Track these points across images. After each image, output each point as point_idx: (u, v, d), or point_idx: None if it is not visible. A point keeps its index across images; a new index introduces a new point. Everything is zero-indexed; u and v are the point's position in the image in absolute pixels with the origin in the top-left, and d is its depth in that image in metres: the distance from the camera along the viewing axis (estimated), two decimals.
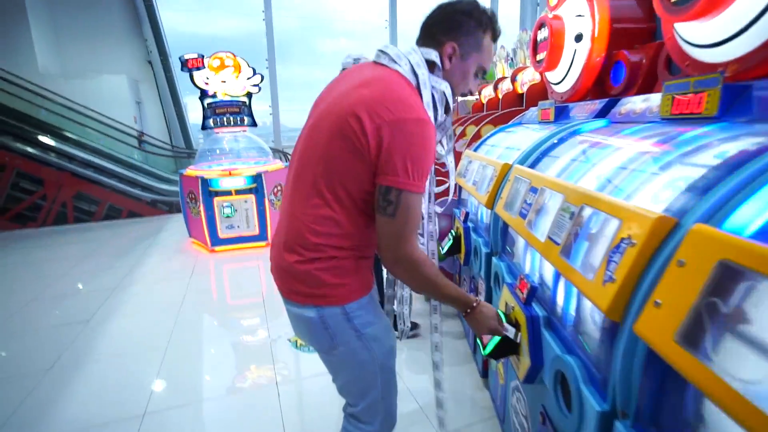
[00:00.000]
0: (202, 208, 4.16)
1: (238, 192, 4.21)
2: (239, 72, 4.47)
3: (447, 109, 1.05)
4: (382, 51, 1.00)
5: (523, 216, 1.25)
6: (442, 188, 1.34)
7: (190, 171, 4.37)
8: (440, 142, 1.15)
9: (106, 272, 3.92)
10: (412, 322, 2.61)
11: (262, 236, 4.41)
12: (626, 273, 0.72)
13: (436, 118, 1.00)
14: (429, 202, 1.19)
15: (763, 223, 0.62)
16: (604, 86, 1.79)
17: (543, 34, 1.98)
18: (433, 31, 1.01)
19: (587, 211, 0.92)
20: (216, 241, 4.30)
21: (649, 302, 0.66)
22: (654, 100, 1.28)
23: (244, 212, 4.27)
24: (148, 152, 7.87)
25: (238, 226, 4.29)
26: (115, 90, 8.11)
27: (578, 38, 1.77)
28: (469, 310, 1.08)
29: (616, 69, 1.71)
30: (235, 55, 4.41)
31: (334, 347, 1.04)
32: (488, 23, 1.00)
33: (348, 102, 0.91)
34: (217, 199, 4.17)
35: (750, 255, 0.53)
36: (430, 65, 0.99)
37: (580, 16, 1.76)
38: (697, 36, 1.11)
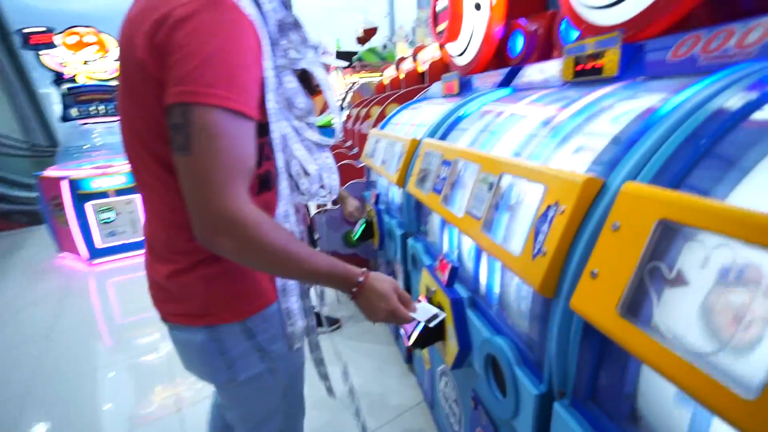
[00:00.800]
0: (72, 216, 3.50)
1: (119, 192, 3.61)
2: (105, 51, 3.80)
3: (285, 4, 0.78)
4: None
5: (438, 191, 1.16)
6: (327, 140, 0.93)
7: (50, 172, 3.64)
8: (299, 54, 0.81)
9: None
10: (330, 318, 2.47)
11: None
12: (557, 244, 0.65)
13: (266, 18, 0.73)
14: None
15: (686, 176, 0.59)
16: (503, 57, 1.78)
17: (442, 4, 1.92)
18: None
19: (507, 180, 0.85)
20: (94, 252, 3.66)
21: (585, 273, 0.60)
22: (554, 66, 1.26)
23: (128, 215, 3.68)
24: None
25: (123, 233, 3.69)
26: None
27: (477, 6, 1.73)
28: (355, 289, 0.79)
29: (513, 39, 1.70)
30: (98, 31, 3.74)
31: (233, 378, 0.83)
32: None
33: (128, 34, 0.66)
34: (91, 203, 3.54)
35: (693, 211, 0.47)
36: None
37: None
38: None
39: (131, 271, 3.56)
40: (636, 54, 0.96)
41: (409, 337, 1.12)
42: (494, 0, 1.66)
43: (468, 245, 1.15)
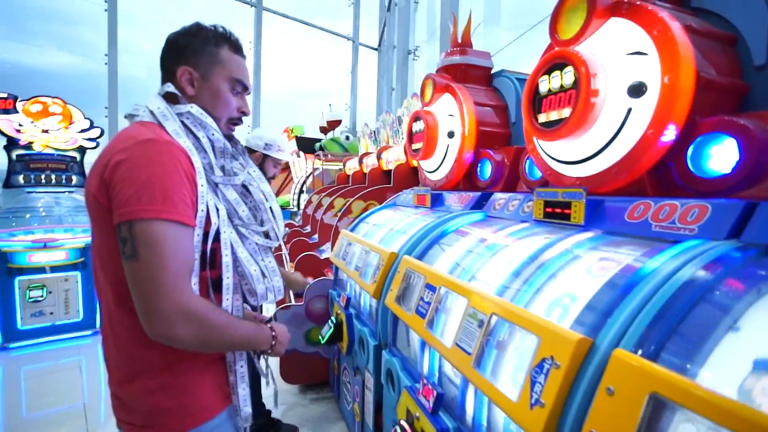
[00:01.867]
0: None
1: (55, 270, 3.33)
2: (69, 122, 3.74)
3: (209, 137, 0.93)
4: (127, 115, 0.93)
5: (421, 315, 1.21)
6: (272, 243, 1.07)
7: None
8: (242, 168, 1.00)
9: None
10: (289, 426, 2.29)
11: (86, 323, 3.48)
12: (555, 398, 0.70)
13: (203, 147, 0.89)
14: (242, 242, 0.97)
15: (666, 342, 0.68)
16: (472, 179, 1.98)
17: (418, 126, 2.14)
18: (165, 65, 0.93)
19: (497, 321, 0.92)
20: (13, 334, 3.23)
21: None
22: (523, 199, 1.43)
23: (63, 294, 3.34)
24: None
25: (52, 313, 3.32)
26: None
27: (450, 135, 1.95)
28: (274, 342, 0.97)
29: (482, 165, 1.91)
30: (65, 102, 3.71)
31: None
32: (218, 36, 0.94)
33: (87, 182, 0.85)
34: (20, 279, 3.21)
35: (678, 390, 0.55)
36: (173, 98, 0.92)
37: (451, 115, 1.95)
38: (557, 153, 1.30)
39: (54, 357, 3.15)
40: (597, 207, 1.13)
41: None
42: (466, 130, 1.89)
43: (451, 372, 1.18)
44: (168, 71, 0.93)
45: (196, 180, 0.84)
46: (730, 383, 0.57)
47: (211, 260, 0.89)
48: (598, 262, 0.94)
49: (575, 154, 1.22)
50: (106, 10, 7.43)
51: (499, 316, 0.91)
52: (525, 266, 1.08)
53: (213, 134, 0.92)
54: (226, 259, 0.90)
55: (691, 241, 0.85)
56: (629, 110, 1.07)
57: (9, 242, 3.26)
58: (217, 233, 0.88)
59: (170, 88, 0.91)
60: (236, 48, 0.98)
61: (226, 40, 0.95)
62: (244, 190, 1.01)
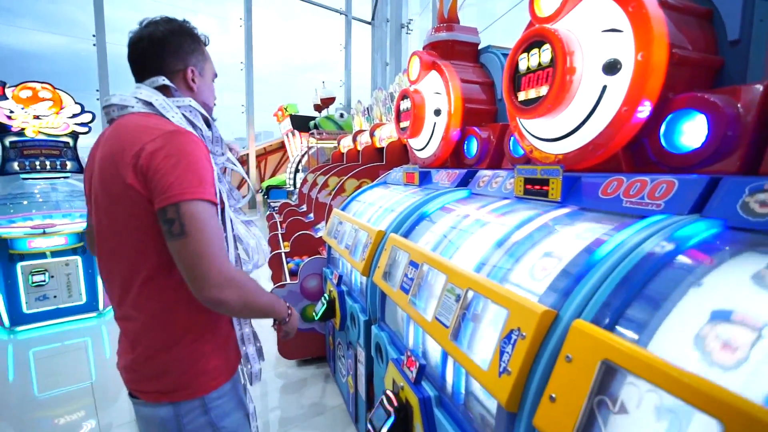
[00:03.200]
0: None
1: (56, 254, 3.38)
2: (60, 107, 3.72)
3: (208, 123, 1.01)
4: (108, 106, 0.94)
5: (405, 290, 1.26)
6: (245, 200, 1.17)
7: None
8: (222, 155, 1.08)
9: None
10: None
11: (90, 305, 3.55)
12: (520, 366, 0.76)
13: (203, 136, 0.98)
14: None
15: (625, 312, 0.73)
16: (459, 156, 2.00)
17: (406, 104, 2.14)
18: (157, 65, 0.96)
19: (472, 295, 0.96)
20: (19, 318, 3.31)
21: (545, 396, 0.70)
22: (506, 176, 1.46)
23: (65, 278, 3.41)
24: None
25: (55, 296, 3.40)
26: None
27: (437, 113, 1.96)
28: (290, 312, 1.10)
29: (468, 142, 1.93)
30: (54, 88, 3.67)
31: None
32: (197, 34, 1.02)
33: (106, 175, 0.88)
34: (22, 264, 3.27)
35: (626, 357, 0.60)
36: (166, 91, 0.97)
37: (437, 93, 1.95)
38: (537, 130, 1.32)
39: (58, 339, 3.25)
40: (574, 184, 1.17)
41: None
42: (452, 108, 1.90)
43: (434, 344, 1.24)
44: (164, 71, 0.96)
45: (212, 165, 0.91)
46: (679, 350, 0.61)
47: None
48: (568, 238, 0.97)
49: (554, 132, 1.24)
50: None
51: (473, 290, 0.95)
52: (502, 243, 1.12)
53: (205, 125, 0.99)
54: (230, 234, 1.00)
55: (656, 216, 0.89)
56: (604, 87, 1.09)
57: (9, 229, 3.29)
58: (223, 211, 0.97)
59: (164, 81, 0.95)
60: (206, 42, 1.06)
61: (200, 36, 1.03)
62: (221, 172, 1.07)
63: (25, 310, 3.33)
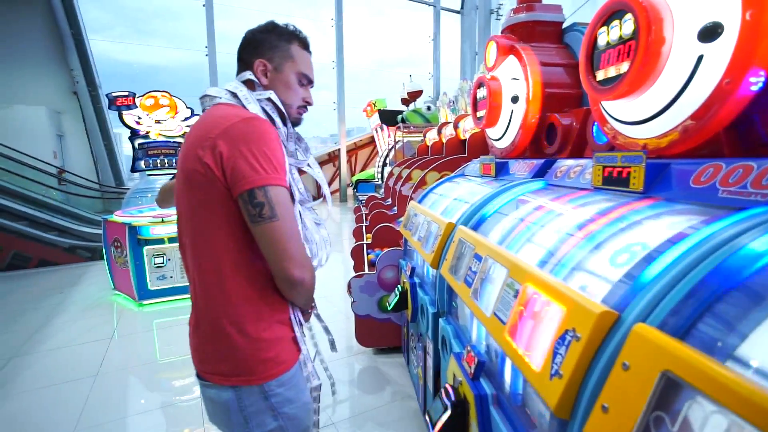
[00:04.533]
0: (129, 258, 3.80)
1: (172, 240, 3.90)
2: (175, 112, 4.26)
3: (284, 119, 1.03)
4: (203, 97, 1.02)
5: (468, 284, 1.22)
6: (317, 202, 1.23)
7: (116, 217, 4.00)
8: (296, 151, 1.10)
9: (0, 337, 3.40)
10: None
11: None
12: (572, 370, 0.69)
13: (276, 126, 1.00)
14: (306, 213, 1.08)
15: (701, 319, 0.63)
16: (539, 145, 1.87)
17: (482, 93, 2.06)
18: (242, 57, 1.04)
19: (531, 291, 0.90)
20: (145, 293, 3.91)
21: (597, 406, 0.63)
22: (586, 165, 1.34)
23: (178, 261, 3.94)
24: (68, 192, 7.17)
25: (171, 277, 3.95)
26: (32, 122, 7.48)
27: (514, 99, 1.85)
28: (314, 304, 1.12)
29: (549, 130, 1.79)
30: (171, 95, 4.22)
31: None
32: (290, 34, 1.05)
33: (191, 151, 0.91)
34: (147, 248, 3.84)
35: (691, 370, 0.51)
36: (250, 85, 1.02)
37: (515, 79, 1.84)
38: (620, 113, 1.18)
39: (175, 314, 3.77)
40: (660, 172, 1.02)
41: (434, 425, 1.15)
42: (530, 94, 1.78)
43: (494, 341, 1.18)
44: (245, 62, 1.03)
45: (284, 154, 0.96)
46: (763, 369, 0.51)
47: None
48: (644, 233, 0.86)
49: (638, 114, 1.10)
50: (204, 5, 8.12)
51: (531, 286, 0.89)
52: (571, 236, 1.03)
53: (280, 120, 1.03)
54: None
55: (760, 208, 0.74)
56: (700, 58, 0.94)
57: (138, 218, 3.90)
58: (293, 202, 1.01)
59: (250, 75, 1.02)
60: (305, 45, 1.08)
61: (296, 37, 1.06)
62: (297, 171, 1.10)
63: (149, 287, 3.91)
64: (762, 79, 0.88)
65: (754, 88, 0.88)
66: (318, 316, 1.17)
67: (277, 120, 1.01)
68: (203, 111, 1.03)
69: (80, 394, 2.48)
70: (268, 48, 1.03)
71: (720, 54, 0.90)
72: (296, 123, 1.09)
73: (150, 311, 3.85)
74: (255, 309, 0.94)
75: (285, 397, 0.97)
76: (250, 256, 0.92)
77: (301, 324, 1.05)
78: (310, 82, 1.10)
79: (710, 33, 0.91)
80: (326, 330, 1.21)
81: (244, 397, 0.94)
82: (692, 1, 0.95)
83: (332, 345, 1.22)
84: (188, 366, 2.77)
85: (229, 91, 0.99)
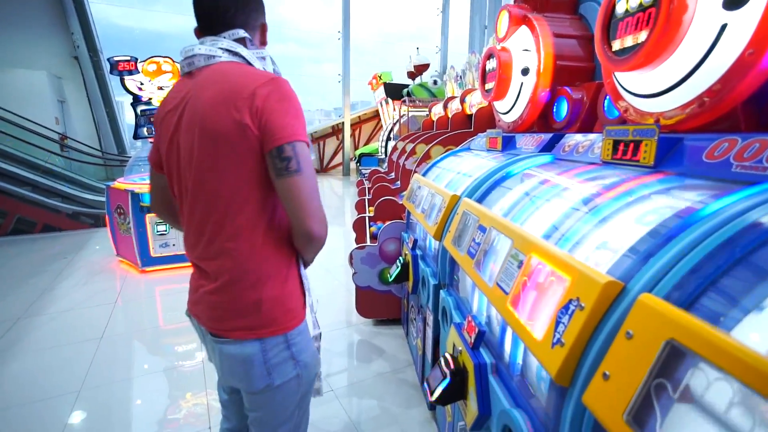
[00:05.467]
0: (132, 225, 3.81)
1: None
2: (178, 78, 4.18)
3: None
4: (193, 56, 0.95)
5: (471, 255, 1.22)
6: None
7: (119, 184, 4.00)
8: None
9: (6, 298, 3.46)
10: None
11: None
12: (575, 339, 0.69)
13: None
14: None
15: (708, 291, 0.62)
16: (547, 119, 1.84)
17: (491, 64, 2.01)
18: (240, 19, 0.99)
19: (535, 262, 0.90)
20: (147, 260, 3.95)
21: (598, 373, 0.64)
22: (595, 140, 1.31)
23: None
24: (71, 159, 7.14)
25: (174, 244, 3.97)
26: (32, 87, 7.37)
27: (525, 72, 1.81)
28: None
29: (558, 104, 1.76)
30: (173, 61, 4.14)
31: (270, 385, 0.99)
32: None
33: (211, 116, 0.90)
34: (149, 216, 3.84)
35: (697, 338, 0.51)
36: (242, 42, 1.00)
37: (526, 50, 1.79)
38: (634, 85, 1.15)
39: (177, 281, 3.81)
40: (672, 147, 1.00)
41: (432, 392, 1.17)
42: (542, 66, 1.73)
43: (495, 312, 1.19)
44: (246, 24, 1.00)
45: None
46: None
47: None
48: (653, 205, 0.85)
49: (654, 86, 1.07)
50: None
51: (536, 256, 0.89)
52: (577, 209, 1.02)
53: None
54: None
55: None
56: (723, 26, 0.90)
57: (140, 185, 3.89)
58: None
59: (244, 33, 0.99)
60: None
61: None
62: None
63: (152, 254, 3.94)
64: None
65: None
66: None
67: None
68: (194, 70, 0.96)
69: (85, 356, 2.53)
70: (263, 10, 1.05)
71: (745, 23, 0.86)
72: None
73: (151, 278, 3.90)
74: (276, 261, 0.97)
75: (302, 346, 1.02)
76: (270, 211, 0.95)
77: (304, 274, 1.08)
78: None
79: (737, 0, 0.87)
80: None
81: (268, 349, 0.97)
82: None
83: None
84: (191, 332, 2.83)
85: (227, 50, 0.96)
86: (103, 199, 4.87)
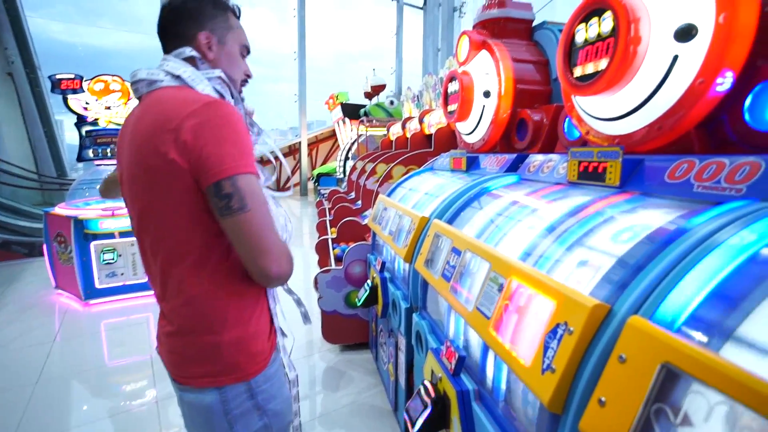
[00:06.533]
0: (74, 254, 3.51)
1: (124, 234, 3.65)
2: (128, 98, 3.98)
3: (235, 98, 0.96)
4: (135, 82, 0.88)
5: (447, 278, 1.21)
6: (287, 194, 1.22)
7: (60, 210, 3.69)
8: (258, 135, 1.02)
9: None
10: None
11: None
12: (566, 364, 0.69)
13: None
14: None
15: (692, 311, 0.64)
16: (510, 140, 1.90)
17: (453, 87, 2.06)
18: (176, 31, 0.91)
19: (516, 285, 0.90)
20: (92, 292, 3.63)
21: (593, 399, 0.63)
22: (558, 160, 1.36)
23: (131, 257, 3.69)
24: (1, 183, 6.56)
25: (122, 273, 3.68)
26: None
27: (486, 94, 1.86)
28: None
29: (520, 125, 1.82)
30: (123, 80, 3.94)
31: None
32: (224, 1, 0.95)
33: (143, 150, 0.81)
34: (94, 243, 3.56)
35: (693, 361, 0.52)
36: (191, 62, 0.91)
37: (487, 74, 1.85)
38: (595, 109, 1.20)
39: (125, 313, 3.53)
40: (636, 167, 1.05)
41: (413, 423, 1.13)
42: (503, 89, 1.79)
43: (475, 335, 1.18)
44: (180, 37, 0.91)
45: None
46: (760, 359, 0.52)
47: None
48: (628, 226, 0.88)
49: (614, 110, 1.13)
50: None
51: (518, 280, 0.88)
52: (552, 230, 1.03)
53: (234, 97, 0.96)
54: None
55: (736, 202, 0.77)
56: (675, 57, 0.96)
57: (85, 211, 3.61)
58: None
59: (192, 52, 0.90)
60: (237, 14, 0.99)
61: (228, 5, 0.96)
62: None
63: (97, 285, 3.64)
64: (730, 79, 0.91)
65: (722, 88, 0.92)
66: (289, 291, 1.10)
67: (229, 99, 0.93)
68: (139, 98, 0.90)
69: (18, 404, 2.26)
70: (208, 18, 0.91)
71: (694, 54, 0.93)
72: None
73: (97, 312, 3.59)
74: (238, 302, 0.88)
75: (270, 393, 0.93)
76: (226, 249, 0.85)
77: (276, 301, 1.01)
78: (249, 52, 1.02)
79: (686, 33, 0.94)
80: (298, 302, 1.16)
81: (230, 399, 0.88)
82: (668, 1, 0.97)
83: (305, 317, 1.18)
84: (141, 368, 2.62)
85: (170, 73, 0.87)
86: (39, 225, 4.46)
